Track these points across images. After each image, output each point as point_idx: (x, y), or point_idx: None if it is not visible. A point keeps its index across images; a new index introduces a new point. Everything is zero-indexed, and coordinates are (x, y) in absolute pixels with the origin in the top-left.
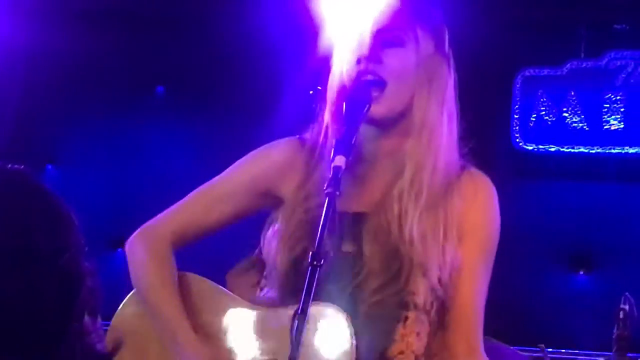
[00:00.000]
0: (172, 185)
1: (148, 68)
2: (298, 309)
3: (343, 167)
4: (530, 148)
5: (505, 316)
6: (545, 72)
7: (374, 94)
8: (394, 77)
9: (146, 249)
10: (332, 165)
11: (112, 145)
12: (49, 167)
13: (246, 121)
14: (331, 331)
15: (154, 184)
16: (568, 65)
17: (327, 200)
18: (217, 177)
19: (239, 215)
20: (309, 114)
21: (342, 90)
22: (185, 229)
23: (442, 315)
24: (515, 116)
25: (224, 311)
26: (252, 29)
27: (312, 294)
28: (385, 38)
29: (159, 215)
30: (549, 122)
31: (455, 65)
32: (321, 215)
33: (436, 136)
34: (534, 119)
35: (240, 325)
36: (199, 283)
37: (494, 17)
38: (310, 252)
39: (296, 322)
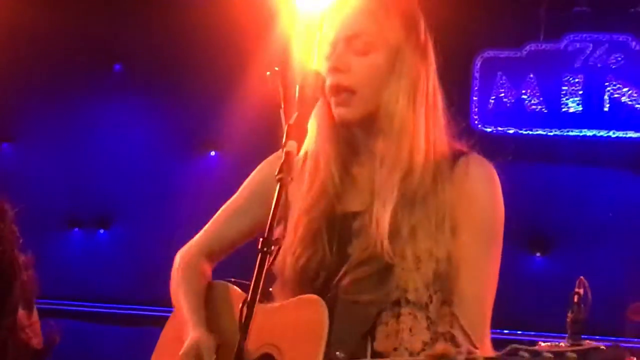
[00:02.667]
0: (130, 164)
1: (106, 46)
2: (247, 297)
3: (295, 152)
4: (489, 130)
5: None
6: (505, 54)
7: (344, 99)
8: (363, 85)
9: (180, 266)
10: (284, 150)
11: (69, 124)
12: (5, 145)
13: (203, 100)
14: (307, 319)
15: (110, 163)
16: (527, 47)
17: (278, 187)
18: (237, 191)
19: (256, 227)
20: (267, 95)
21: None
22: (212, 244)
23: (446, 308)
24: (474, 98)
25: (235, 311)
26: (212, 5)
27: (261, 281)
28: (353, 46)
29: (197, 234)
30: (508, 104)
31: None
32: (326, 215)
33: (408, 128)
34: (492, 101)
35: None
36: (223, 290)
37: None
38: (260, 239)
39: (244, 310)
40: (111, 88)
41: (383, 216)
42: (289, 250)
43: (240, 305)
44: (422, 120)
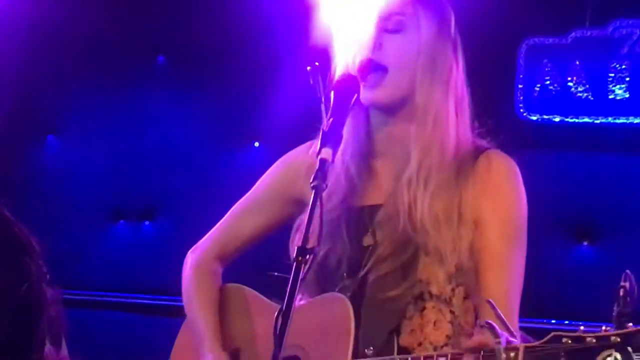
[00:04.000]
0: (174, 156)
1: (149, 37)
2: (282, 306)
3: (330, 159)
4: (534, 118)
5: None
6: (550, 41)
7: (375, 79)
8: (394, 63)
9: (191, 266)
10: (319, 157)
11: (113, 116)
12: (50, 137)
13: (247, 91)
14: (333, 318)
15: (155, 155)
16: (573, 34)
17: (313, 194)
18: (250, 190)
19: (272, 225)
20: (309, 88)
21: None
22: (225, 244)
23: (468, 302)
24: (519, 86)
25: (257, 318)
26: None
27: (296, 291)
28: (385, 24)
29: (208, 233)
30: (554, 92)
31: (460, 35)
32: (343, 210)
33: (442, 119)
34: (538, 89)
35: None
36: (237, 293)
37: None
38: (296, 247)
39: (280, 320)
40: (155, 80)
41: (410, 209)
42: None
43: (275, 314)
44: (452, 113)
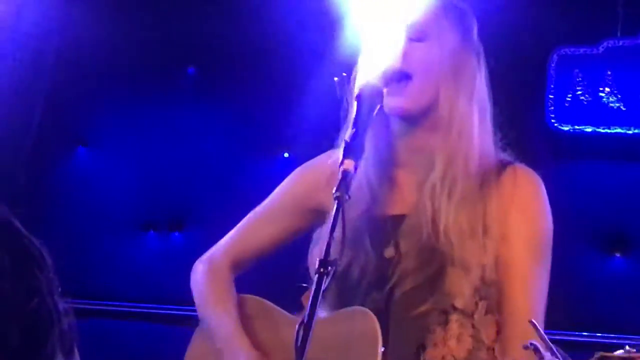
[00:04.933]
0: (203, 166)
1: (179, 49)
2: (304, 317)
3: (352, 170)
4: (566, 129)
5: None
6: (581, 51)
7: (399, 88)
8: (419, 72)
9: (205, 272)
10: (341, 169)
11: (143, 127)
12: (81, 149)
13: (276, 102)
14: (358, 333)
15: (185, 166)
16: (604, 44)
17: (335, 205)
18: (266, 199)
19: (288, 235)
20: (338, 98)
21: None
22: (239, 253)
23: (489, 316)
24: (551, 96)
25: (279, 328)
26: (284, 9)
27: (317, 303)
28: (409, 33)
29: (218, 242)
30: (585, 102)
31: (490, 45)
32: (365, 220)
33: (466, 129)
34: (569, 99)
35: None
36: (256, 304)
37: None
38: (318, 259)
39: (301, 331)
40: (185, 91)
41: (434, 219)
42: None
43: (297, 327)
44: (476, 123)
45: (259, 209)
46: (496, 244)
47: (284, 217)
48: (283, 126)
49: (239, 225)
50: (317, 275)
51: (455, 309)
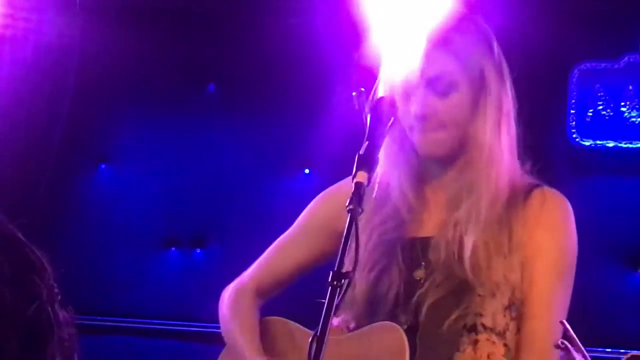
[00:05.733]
0: (225, 183)
1: (199, 66)
2: (317, 331)
3: (365, 183)
4: (588, 144)
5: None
6: (602, 65)
7: (432, 134)
8: (451, 124)
9: (229, 304)
10: (354, 181)
11: (164, 143)
12: (102, 166)
13: (296, 118)
14: (386, 348)
15: (207, 182)
16: (625, 59)
17: (348, 218)
18: (292, 225)
19: (313, 260)
20: (359, 114)
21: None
22: (264, 279)
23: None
24: (572, 111)
25: (302, 348)
26: (303, 25)
27: (331, 315)
28: (435, 87)
29: (247, 270)
30: (607, 117)
31: (511, 61)
32: (397, 238)
33: (495, 164)
34: (590, 114)
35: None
36: (280, 325)
37: (549, 11)
38: (331, 272)
39: (314, 345)
40: (205, 108)
41: (460, 246)
42: (360, 274)
43: (310, 340)
44: (505, 148)
45: (284, 235)
46: (522, 265)
47: (309, 242)
48: (304, 142)
49: (266, 251)
50: (330, 288)
51: (484, 327)
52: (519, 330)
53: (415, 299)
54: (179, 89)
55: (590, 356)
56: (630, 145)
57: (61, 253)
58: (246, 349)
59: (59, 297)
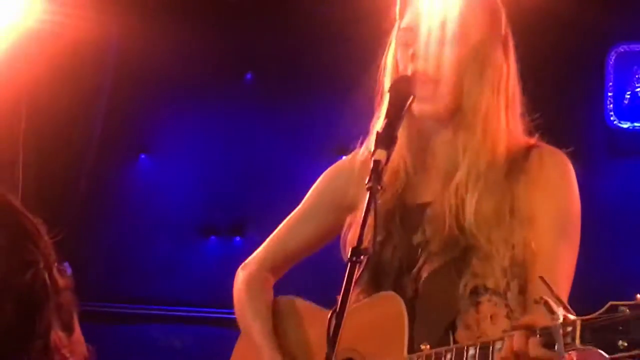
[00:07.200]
0: (263, 171)
1: (237, 55)
2: (336, 307)
3: (384, 161)
4: (625, 126)
5: (595, 296)
6: None
7: (426, 92)
8: (447, 75)
9: (243, 280)
10: (373, 159)
11: (203, 133)
12: (143, 156)
13: (335, 106)
14: (386, 317)
15: (245, 170)
16: None
17: (368, 195)
18: (301, 202)
19: (323, 235)
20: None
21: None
22: (275, 256)
23: (523, 297)
24: (609, 93)
25: (313, 325)
26: (340, 14)
27: (350, 291)
28: (437, 34)
29: (258, 249)
30: None
31: (549, 44)
32: (396, 207)
33: (491, 124)
34: (628, 96)
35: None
36: (291, 303)
37: None
38: (350, 248)
39: (333, 320)
40: (243, 96)
41: (464, 205)
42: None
43: (329, 315)
44: (503, 111)
45: (293, 213)
46: (524, 225)
47: (318, 218)
48: (340, 129)
49: (277, 229)
50: (349, 264)
51: (486, 289)
52: (520, 291)
53: (415, 265)
54: (217, 78)
55: None
56: None
57: (103, 242)
58: (260, 339)
59: (56, 263)
